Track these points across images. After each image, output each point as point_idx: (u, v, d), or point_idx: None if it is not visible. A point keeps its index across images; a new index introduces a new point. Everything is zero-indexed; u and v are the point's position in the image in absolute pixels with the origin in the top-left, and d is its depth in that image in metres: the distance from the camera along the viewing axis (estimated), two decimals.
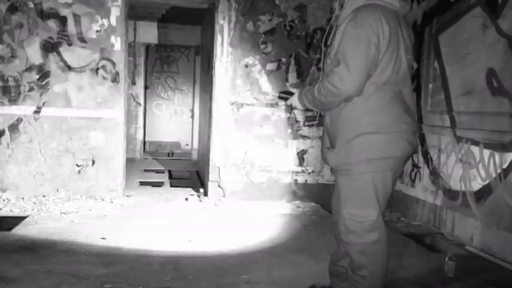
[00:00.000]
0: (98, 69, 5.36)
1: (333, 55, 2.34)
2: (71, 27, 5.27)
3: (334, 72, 2.27)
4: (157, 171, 7.68)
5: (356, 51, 2.22)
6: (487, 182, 3.88)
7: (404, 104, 2.37)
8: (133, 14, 7.64)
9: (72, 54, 5.30)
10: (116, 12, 5.35)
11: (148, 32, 9.17)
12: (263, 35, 5.68)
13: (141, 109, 9.53)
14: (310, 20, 5.76)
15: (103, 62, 5.37)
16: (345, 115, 2.35)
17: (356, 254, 2.41)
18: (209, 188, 5.73)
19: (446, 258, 3.42)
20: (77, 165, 5.36)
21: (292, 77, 5.77)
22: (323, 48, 2.56)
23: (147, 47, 9.61)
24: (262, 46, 5.69)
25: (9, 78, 5.20)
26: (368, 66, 2.24)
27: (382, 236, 2.40)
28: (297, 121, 5.79)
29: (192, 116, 9.72)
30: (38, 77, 5.25)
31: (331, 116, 2.44)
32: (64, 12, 5.25)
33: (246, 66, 5.68)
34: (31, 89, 5.24)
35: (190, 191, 6.20)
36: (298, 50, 5.76)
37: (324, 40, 2.60)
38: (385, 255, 2.43)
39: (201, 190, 5.86)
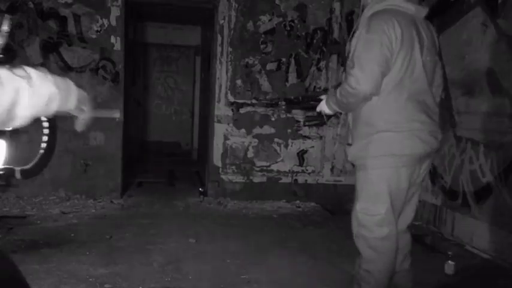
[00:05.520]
0: (98, 69, 5.35)
1: (350, 59, 2.47)
2: (71, 27, 5.27)
3: (350, 74, 2.39)
4: (157, 171, 7.68)
5: (368, 54, 2.34)
6: (487, 182, 3.88)
7: (421, 104, 2.45)
8: (133, 14, 7.64)
9: (72, 54, 5.30)
10: (116, 12, 5.35)
11: (148, 32, 9.17)
12: (263, 35, 5.68)
13: (141, 109, 9.53)
14: (310, 20, 5.76)
15: (103, 62, 5.36)
16: (363, 114, 2.48)
17: (364, 247, 2.49)
18: (209, 187, 5.73)
19: (446, 258, 3.42)
20: (77, 165, 5.36)
21: (292, 77, 5.77)
22: (347, 50, 2.69)
23: (147, 46, 9.61)
24: (262, 46, 5.69)
25: None
26: (381, 66, 2.34)
27: (391, 233, 2.47)
28: (297, 121, 5.79)
29: (192, 116, 9.71)
30: None
31: (353, 114, 2.57)
32: (64, 12, 5.25)
33: (246, 66, 5.69)
34: None
35: (190, 190, 6.19)
36: (298, 50, 5.76)
37: (348, 42, 2.71)
38: (393, 253, 2.50)
39: (201, 190, 5.85)
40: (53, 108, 1.24)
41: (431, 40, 2.51)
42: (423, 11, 2.52)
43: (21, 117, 1.12)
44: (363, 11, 2.57)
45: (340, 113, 2.76)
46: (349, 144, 2.56)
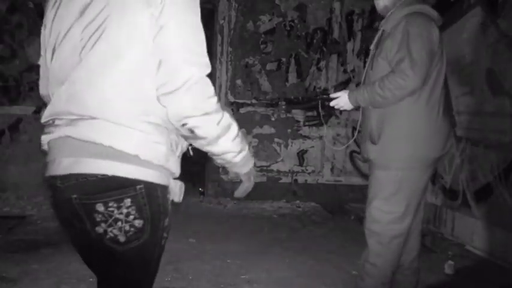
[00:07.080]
0: None
1: (392, 55, 2.46)
2: None
3: (401, 67, 2.40)
4: None
5: (419, 47, 2.39)
6: (487, 182, 3.88)
7: (445, 108, 2.55)
8: None
9: None
10: None
11: None
12: (263, 35, 5.68)
13: None
14: (310, 20, 5.75)
15: None
16: (393, 115, 2.50)
17: (374, 242, 2.56)
18: (209, 187, 5.73)
19: (446, 258, 3.42)
20: None
21: (292, 77, 5.77)
22: (372, 51, 2.68)
23: None
24: (262, 46, 5.68)
25: (9, 78, 5.20)
26: (430, 60, 2.42)
27: (403, 231, 2.56)
28: (296, 121, 5.79)
29: None
30: (38, 77, 5.24)
31: (379, 115, 2.56)
32: None
33: (246, 66, 5.68)
34: (31, 89, 5.22)
35: (190, 190, 6.19)
36: (298, 50, 5.76)
37: (374, 43, 2.75)
38: (401, 250, 2.59)
39: (201, 190, 5.84)
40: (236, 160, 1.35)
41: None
42: (441, 21, 2.61)
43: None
44: (377, 26, 2.62)
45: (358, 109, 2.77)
46: (374, 143, 2.58)
